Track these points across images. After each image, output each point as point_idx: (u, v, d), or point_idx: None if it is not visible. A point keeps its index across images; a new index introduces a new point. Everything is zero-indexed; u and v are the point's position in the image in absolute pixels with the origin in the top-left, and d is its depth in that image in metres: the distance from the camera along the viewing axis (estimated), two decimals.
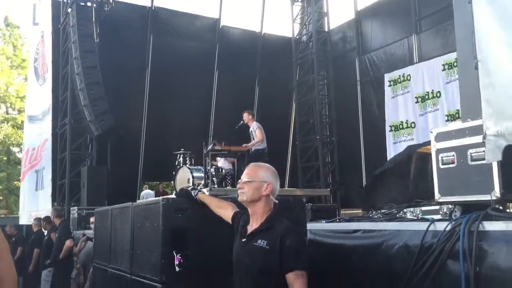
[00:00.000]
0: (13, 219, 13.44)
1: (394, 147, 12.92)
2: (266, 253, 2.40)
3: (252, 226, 2.55)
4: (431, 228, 2.49)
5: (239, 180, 2.65)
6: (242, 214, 2.73)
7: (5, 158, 25.59)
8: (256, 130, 8.97)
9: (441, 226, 2.44)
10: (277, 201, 2.60)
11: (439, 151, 2.77)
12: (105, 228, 4.04)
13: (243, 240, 2.54)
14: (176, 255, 2.69)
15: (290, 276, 2.35)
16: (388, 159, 12.31)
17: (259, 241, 2.45)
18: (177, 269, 2.67)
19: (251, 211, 2.59)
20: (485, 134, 2.31)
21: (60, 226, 7.74)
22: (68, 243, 7.43)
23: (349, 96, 15.18)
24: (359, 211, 13.34)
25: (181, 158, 9.51)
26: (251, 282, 2.46)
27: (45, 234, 8.64)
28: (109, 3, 13.60)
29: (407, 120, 12.78)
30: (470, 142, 2.60)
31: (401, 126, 12.91)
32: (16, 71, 26.97)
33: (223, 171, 9.07)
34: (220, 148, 8.30)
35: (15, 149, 26.10)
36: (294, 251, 2.38)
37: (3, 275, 1.90)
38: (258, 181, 2.56)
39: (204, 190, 7.44)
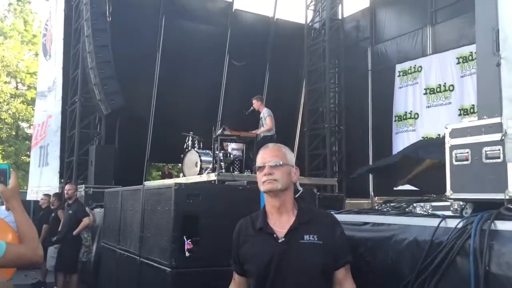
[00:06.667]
0: (21, 194, 13.58)
1: (395, 137, 12.96)
2: (321, 249, 2.08)
3: (281, 221, 2.16)
4: (442, 224, 2.48)
5: (260, 164, 2.19)
6: (238, 229, 2.28)
7: (14, 133, 25.79)
8: (266, 118, 8.96)
9: (452, 223, 2.43)
10: (301, 189, 2.31)
11: (453, 148, 2.75)
12: (114, 209, 4.07)
13: (280, 240, 2.10)
14: (187, 240, 2.67)
15: (342, 272, 2.13)
16: (392, 150, 12.34)
17: (306, 236, 2.09)
18: (187, 254, 2.66)
19: (279, 202, 2.16)
20: (505, 132, 2.29)
21: (76, 203, 7.78)
22: (86, 220, 7.51)
23: (359, 86, 15.08)
24: (364, 201, 13.38)
25: (189, 141, 9.52)
26: (306, 286, 2.09)
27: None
28: None
29: (411, 111, 12.76)
30: (485, 140, 2.57)
31: (404, 117, 12.90)
32: (27, 46, 27.00)
33: (232, 156, 9.09)
34: (229, 133, 8.30)
35: (24, 125, 26.28)
36: (345, 242, 2.16)
37: (24, 230, 1.93)
38: (288, 164, 2.17)
39: (212, 174, 7.48)
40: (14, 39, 26.13)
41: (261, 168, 2.17)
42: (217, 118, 15.03)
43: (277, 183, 2.12)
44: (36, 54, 24.84)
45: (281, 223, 2.15)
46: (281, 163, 2.14)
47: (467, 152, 2.69)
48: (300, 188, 2.30)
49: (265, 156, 2.19)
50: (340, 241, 2.14)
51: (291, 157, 2.23)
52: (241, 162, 8.93)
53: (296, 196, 2.25)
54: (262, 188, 2.16)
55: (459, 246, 2.29)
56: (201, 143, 9.38)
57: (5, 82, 25.56)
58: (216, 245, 2.78)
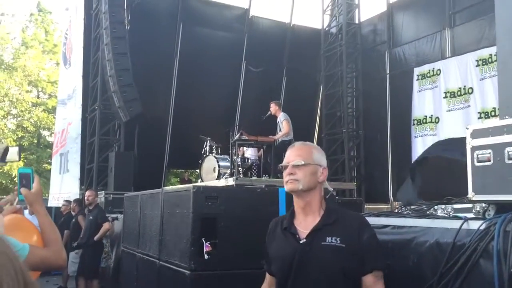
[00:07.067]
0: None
1: (414, 141, 12.82)
2: (343, 252, 2.01)
3: (307, 222, 2.10)
4: (464, 226, 2.44)
5: (284, 163, 2.14)
6: (270, 228, 2.25)
7: (35, 141, 26.24)
8: (283, 122, 8.95)
9: (474, 225, 2.39)
10: (331, 189, 2.25)
11: (474, 148, 2.70)
12: (134, 213, 4.11)
13: (301, 241, 2.06)
14: (206, 243, 2.68)
15: (370, 278, 2.03)
16: (412, 154, 12.23)
17: (328, 238, 2.02)
18: (206, 257, 2.67)
19: (304, 203, 2.11)
20: None
21: (97, 209, 7.89)
22: (107, 225, 7.60)
23: (377, 90, 14.98)
24: (383, 206, 13.24)
25: (207, 147, 9.56)
26: None
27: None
28: None
29: (431, 115, 12.60)
30: (507, 140, 2.53)
31: (424, 121, 12.75)
32: (48, 56, 27.49)
33: (249, 161, 9.09)
34: (246, 137, 8.32)
35: (45, 133, 26.72)
36: (374, 247, 2.07)
37: (47, 233, 1.94)
38: (314, 164, 2.09)
39: (230, 179, 7.50)
40: (35, 48, 26.63)
41: (285, 167, 2.13)
42: (234, 123, 15.07)
43: (298, 183, 2.07)
44: (57, 63, 25.29)
45: (306, 223, 2.11)
46: (303, 162, 2.08)
47: (489, 153, 2.65)
48: (331, 189, 2.25)
49: (289, 155, 2.15)
50: (368, 245, 2.05)
51: (319, 156, 2.16)
52: (258, 167, 8.93)
53: (327, 196, 2.19)
54: (285, 188, 2.12)
55: (482, 248, 2.25)
56: (218, 148, 9.41)
57: (27, 91, 26.04)
58: (235, 247, 2.78)
